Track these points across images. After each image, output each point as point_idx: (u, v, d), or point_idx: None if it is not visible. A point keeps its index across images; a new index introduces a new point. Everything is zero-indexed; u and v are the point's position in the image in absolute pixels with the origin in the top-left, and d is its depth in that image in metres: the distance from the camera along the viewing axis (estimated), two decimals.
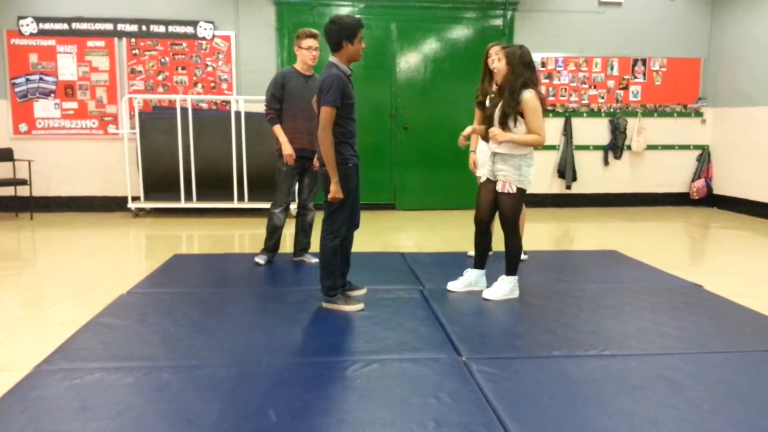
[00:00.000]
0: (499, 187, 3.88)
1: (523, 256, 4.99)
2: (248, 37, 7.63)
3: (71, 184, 7.63)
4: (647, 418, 2.42)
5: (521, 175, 3.84)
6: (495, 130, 3.84)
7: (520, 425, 2.34)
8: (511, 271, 4.01)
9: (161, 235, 6.40)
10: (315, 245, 5.03)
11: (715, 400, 2.58)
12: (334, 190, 3.54)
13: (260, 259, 4.82)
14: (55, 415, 2.40)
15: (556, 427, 2.35)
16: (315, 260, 4.89)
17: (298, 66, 4.64)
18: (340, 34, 3.62)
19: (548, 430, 2.33)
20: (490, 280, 4.12)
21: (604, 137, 8.32)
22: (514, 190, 3.84)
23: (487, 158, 4.19)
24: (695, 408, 2.51)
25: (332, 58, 3.67)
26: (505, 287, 4.00)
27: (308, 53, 4.56)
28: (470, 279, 4.16)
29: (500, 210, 3.92)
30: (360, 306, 3.75)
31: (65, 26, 7.36)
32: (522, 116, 3.75)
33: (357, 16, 7.69)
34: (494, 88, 4.65)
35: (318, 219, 5.09)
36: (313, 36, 4.56)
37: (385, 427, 2.34)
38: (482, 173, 4.20)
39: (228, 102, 7.55)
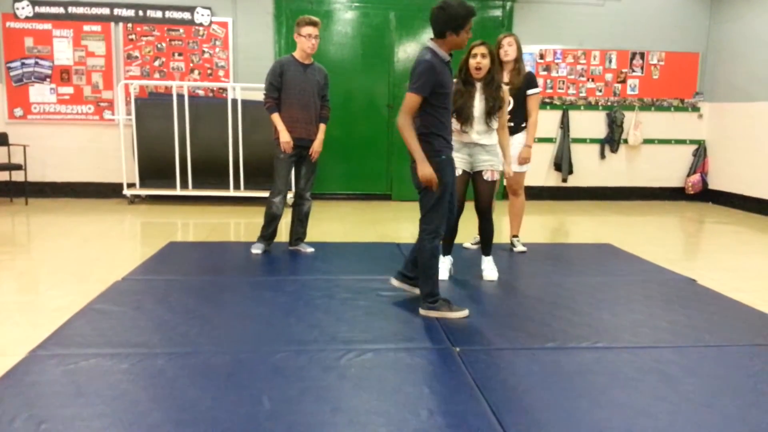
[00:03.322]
0: (488, 177, 4.07)
1: (521, 248, 5.05)
2: (246, 24, 7.59)
3: (67, 169, 7.60)
4: (640, 410, 2.44)
5: (499, 162, 4.15)
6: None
7: (513, 416, 2.36)
8: (491, 251, 4.35)
9: (156, 222, 6.39)
10: (311, 235, 5.05)
11: (707, 393, 2.60)
12: (424, 171, 3.23)
13: (257, 249, 4.81)
14: (50, 400, 2.40)
15: (549, 419, 2.36)
16: (310, 249, 4.90)
17: (297, 54, 4.61)
18: (447, 23, 3.23)
19: (541, 421, 2.34)
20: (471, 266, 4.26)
21: (601, 130, 8.33)
22: (498, 177, 4.14)
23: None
24: (688, 401, 2.53)
25: (431, 43, 3.31)
26: (494, 266, 4.32)
27: (307, 41, 4.52)
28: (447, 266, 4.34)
29: (484, 197, 4.11)
30: (465, 312, 3.47)
31: (61, 10, 7.30)
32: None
33: (357, 4, 7.70)
34: (506, 78, 4.69)
35: (314, 209, 5.10)
36: (313, 24, 4.52)
37: (378, 415, 2.36)
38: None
39: (225, 89, 7.52)
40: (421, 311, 3.48)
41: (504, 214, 5.27)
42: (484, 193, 4.10)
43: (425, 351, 2.99)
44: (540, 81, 8.00)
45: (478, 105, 3.98)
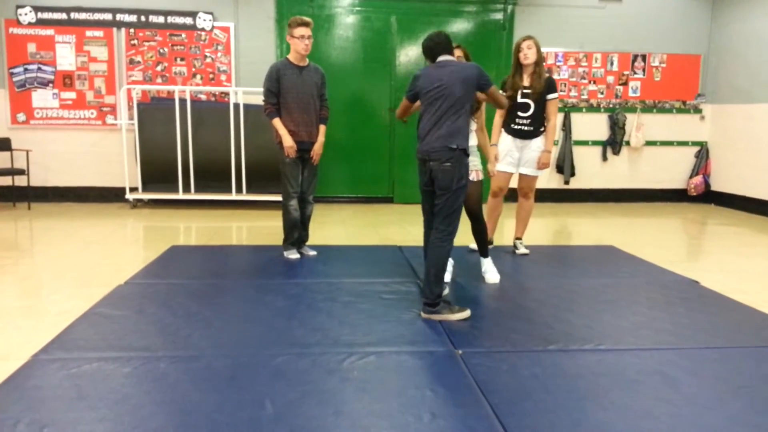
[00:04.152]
0: (473, 177, 4.06)
1: (524, 251, 5.04)
2: (247, 29, 7.61)
3: (69, 174, 7.62)
4: (642, 412, 2.44)
5: (480, 162, 4.21)
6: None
7: (515, 419, 2.36)
8: (488, 251, 4.37)
9: (159, 227, 6.40)
10: (313, 238, 5.05)
11: (710, 396, 2.60)
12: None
13: (293, 255, 4.79)
14: (52, 404, 2.41)
15: (551, 421, 2.36)
16: (313, 253, 4.90)
17: (291, 57, 4.59)
18: (449, 40, 3.67)
19: (543, 423, 2.34)
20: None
21: (602, 133, 8.32)
22: (482, 176, 4.20)
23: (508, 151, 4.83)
24: (690, 403, 2.53)
25: (451, 57, 3.68)
26: (494, 267, 4.33)
27: (301, 42, 4.50)
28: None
29: (473, 198, 4.08)
30: (467, 313, 3.49)
31: (64, 16, 7.33)
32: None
33: (358, 8, 7.72)
34: (527, 82, 4.68)
35: (316, 212, 5.09)
36: (306, 24, 4.50)
37: (381, 419, 2.35)
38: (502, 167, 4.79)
39: (227, 93, 7.54)
40: (423, 315, 3.48)
41: (511, 216, 5.26)
42: (472, 194, 4.03)
43: (427, 354, 2.98)
44: None
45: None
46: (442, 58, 3.62)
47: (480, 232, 4.24)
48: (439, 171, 3.41)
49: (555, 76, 8.07)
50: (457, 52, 4.05)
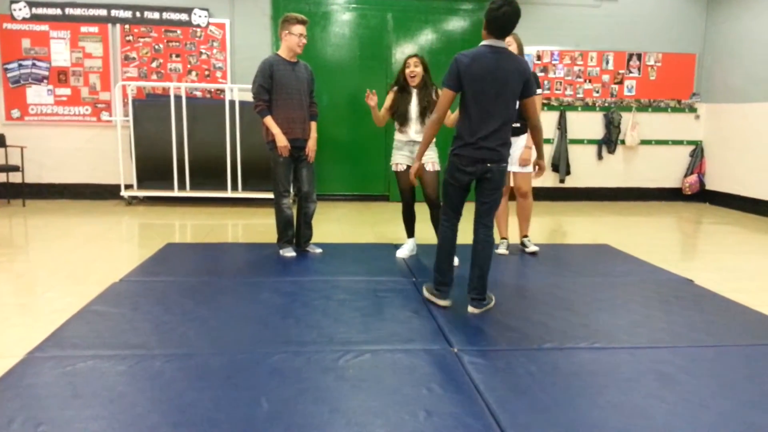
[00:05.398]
0: (430, 167, 4.55)
1: (534, 248, 5.06)
2: (243, 26, 7.59)
3: (64, 171, 7.59)
4: (637, 410, 2.45)
5: (437, 156, 4.65)
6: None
7: (511, 417, 2.36)
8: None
9: (154, 224, 6.38)
10: (317, 236, 5.03)
11: (704, 394, 2.61)
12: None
13: (290, 252, 4.78)
14: (47, 402, 2.40)
15: (546, 419, 2.36)
16: (319, 250, 4.90)
17: (283, 53, 4.56)
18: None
19: (538, 421, 2.35)
20: None
21: (598, 131, 8.34)
22: (439, 167, 4.60)
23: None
24: (685, 401, 2.54)
25: (504, 43, 3.42)
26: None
27: (299, 40, 4.49)
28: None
29: (431, 186, 4.57)
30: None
31: (58, 11, 7.30)
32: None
33: (354, 5, 7.71)
34: None
35: (318, 209, 5.07)
36: (304, 22, 4.52)
37: (376, 416, 2.36)
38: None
39: (222, 90, 7.52)
40: (476, 310, 3.56)
41: (512, 215, 5.27)
42: (429, 182, 4.54)
43: (423, 352, 2.99)
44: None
45: (415, 107, 4.54)
46: (498, 42, 3.38)
47: (437, 217, 4.49)
48: (498, 172, 3.50)
49: (551, 75, 8.09)
50: (414, 60, 4.52)
